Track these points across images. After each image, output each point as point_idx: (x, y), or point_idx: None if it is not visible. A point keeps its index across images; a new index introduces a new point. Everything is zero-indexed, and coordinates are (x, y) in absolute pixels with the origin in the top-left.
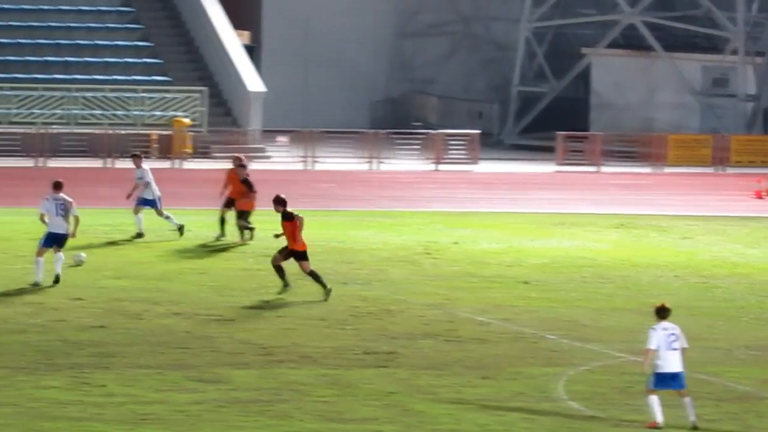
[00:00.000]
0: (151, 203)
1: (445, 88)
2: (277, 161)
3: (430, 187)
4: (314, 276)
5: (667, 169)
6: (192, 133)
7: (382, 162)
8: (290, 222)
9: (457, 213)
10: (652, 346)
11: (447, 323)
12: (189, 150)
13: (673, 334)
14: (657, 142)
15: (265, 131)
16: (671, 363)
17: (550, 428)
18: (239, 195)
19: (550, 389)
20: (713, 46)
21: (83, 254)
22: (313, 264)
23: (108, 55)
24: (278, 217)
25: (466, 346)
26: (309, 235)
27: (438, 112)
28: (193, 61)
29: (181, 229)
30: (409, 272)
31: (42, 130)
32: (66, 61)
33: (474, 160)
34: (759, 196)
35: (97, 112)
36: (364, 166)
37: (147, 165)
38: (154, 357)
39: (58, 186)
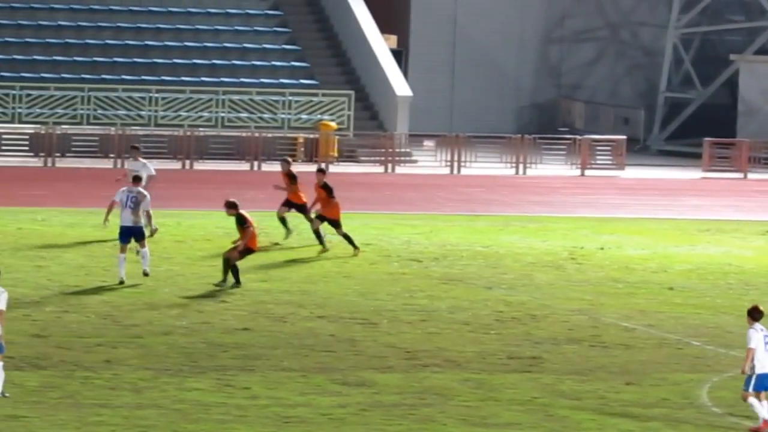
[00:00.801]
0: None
1: (591, 94)
2: (423, 165)
3: (575, 193)
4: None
5: None
6: (338, 137)
7: (528, 167)
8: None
9: (602, 218)
10: (753, 345)
11: (591, 329)
12: (335, 154)
13: (767, 335)
14: None
15: (411, 135)
16: (765, 364)
17: None
18: (323, 202)
19: (694, 396)
20: None
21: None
22: (458, 269)
23: (255, 59)
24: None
25: (611, 351)
26: (454, 239)
27: (584, 117)
28: (340, 64)
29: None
30: (554, 277)
31: (189, 133)
32: (213, 64)
33: (620, 166)
34: None
35: (244, 115)
36: (510, 171)
37: (145, 160)
38: (298, 360)
39: (136, 180)
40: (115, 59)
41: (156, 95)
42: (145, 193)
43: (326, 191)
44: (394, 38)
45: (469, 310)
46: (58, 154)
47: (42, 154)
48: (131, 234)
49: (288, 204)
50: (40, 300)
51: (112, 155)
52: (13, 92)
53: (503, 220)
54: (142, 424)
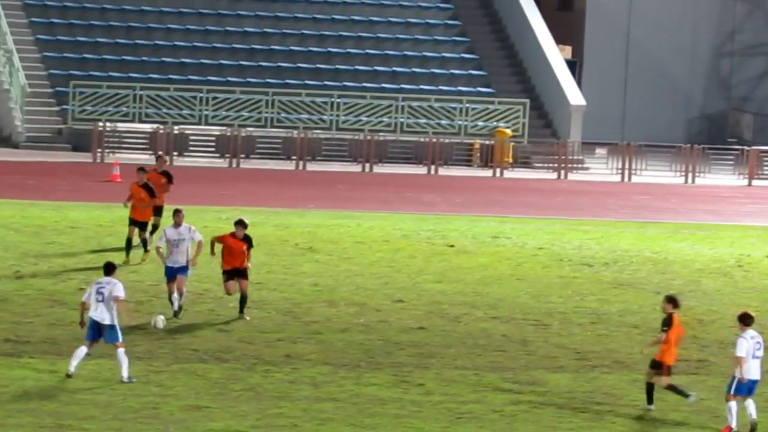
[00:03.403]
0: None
1: (760, 106)
2: (595, 173)
3: (743, 202)
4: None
5: None
6: (513, 144)
7: (697, 176)
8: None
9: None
10: (742, 354)
11: (760, 332)
12: (509, 160)
13: (758, 342)
14: None
15: (584, 143)
16: (753, 371)
17: None
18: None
19: None
20: None
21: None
22: (628, 274)
23: (434, 66)
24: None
25: None
26: (625, 245)
27: (753, 129)
28: (516, 73)
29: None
30: (722, 284)
31: (368, 137)
32: (394, 71)
33: None
34: None
35: (422, 121)
36: (680, 180)
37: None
38: (471, 359)
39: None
40: (299, 65)
41: (338, 100)
42: (192, 229)
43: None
44: (568, 49)
45: (638, 314)
46: (242, 156)
47: (227, 155)
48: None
49: None
50: (224, 296)
51: (294, 157)
52: (201, 95)
53: (672, 228)
54: (320, 417)
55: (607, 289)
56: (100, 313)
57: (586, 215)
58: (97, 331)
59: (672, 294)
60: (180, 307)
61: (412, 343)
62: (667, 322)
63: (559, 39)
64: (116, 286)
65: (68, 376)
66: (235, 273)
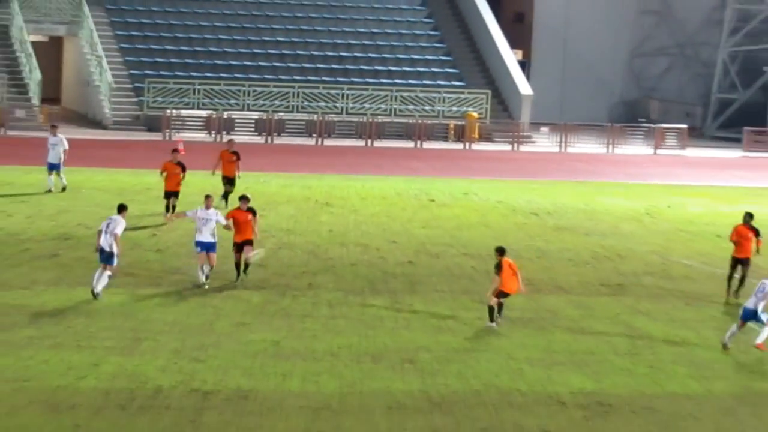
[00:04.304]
0: (56, 167)
1: (663, 94)
2: (540, 145)
3: (651, 166)
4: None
5: None
6: (479, 124)
7: (617, 147)
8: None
9: (671, 185)
10: None
11: (662, 265)
12: (476, 136)
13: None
14: None
15: (532, 123)
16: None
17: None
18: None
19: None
20: None
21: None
22: (565, 220)
23: (420, 66)
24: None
25: (676, 282)
26: (562, 199)
27: (658, 111)
28: (481, 71)
29: (64, 188)
30: (635, 227)
31: (370, 120)
32: (389, 70)
33: (683, 147)
34: None
35: (411, 107)
36: (603, 150)
37: (62, 135)
38: (448, 285)
39: (208, 198)
40: (318, 65)
41: (347, 92)
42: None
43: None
44: (521, 52)
45: (572, 251)
46: (275, 134)
47: (264, 133)
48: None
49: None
50: (262, 239)
51: (314, 135)
52: (244, 89)
53: (598, 186)
54: (335, 330)
55: (550, 232)
56: (104, 242)
57: (534, 177)
58: (102, 255)
59: (499, 246)
60: (207, 276)
61: (404, 274)
62: (498, 267)
63: (514, 44)
64: (119, 224)
65: (94, 294)
66: (244, 244)
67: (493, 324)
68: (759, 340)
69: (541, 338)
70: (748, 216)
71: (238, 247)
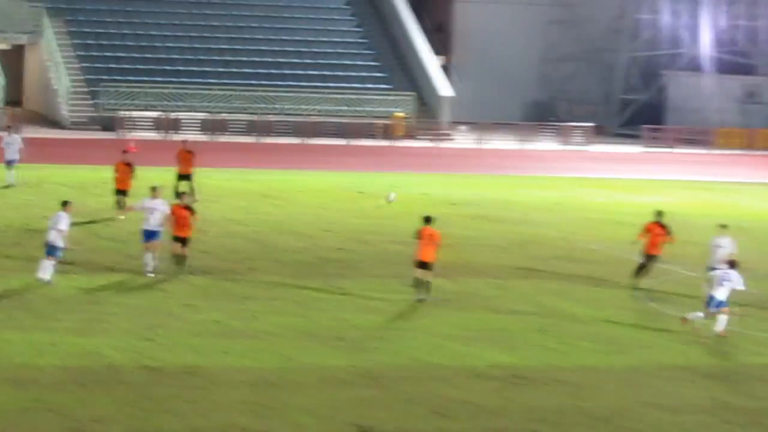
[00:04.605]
0: (13, 162)
1: (571, 96)
2: (459, 142)
3: (559, 161)
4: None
5: (715, 151)
6: (404, 123)
7: (529, 143)
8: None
9: (578, 177)
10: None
11: (569, 250)
12: (402, 133)
13: (725, 273)
14: (709, 132)
15: (452, 122)
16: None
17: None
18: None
19: (638, 294)
20: (748, 70)
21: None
22: (482, 210)
23: (353, 71)
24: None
25: (583, 265)
26: (480, 190)
27: (566, 111)
28: (407, 75)
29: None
30: (546, 216)
31: (307, 119)
32: (324, 75)
33: (589, 144)
34: None
35: (344, 108)
36: (518, 146)
37: (18, 135)
38: (377, 270)
39: (155, 189)
40: (258, 70)
41: (285, 94)
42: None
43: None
44: (443, 58)
45: (489, 237)
46: (219, 133)
47: (209, 132)
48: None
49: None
50: (207, 229)
51: (254, 133)
52: (190, 92)
53: (512, 179)
54: (274, 310)
55: (468, 220)
56: (49, 235)
57: (454, 171)
58: (47, 247)
59: (427, 215)
60: (154, 266)
61: (337, 260)
62: (418, 233)
63: (437, 51)
64: (61, 220)
65: (43, 281)
66: (181, 240)
67: (422, 296)
68: (719, 328)
69: (461, 317)
70: (658, 214)
71: (176, 239)
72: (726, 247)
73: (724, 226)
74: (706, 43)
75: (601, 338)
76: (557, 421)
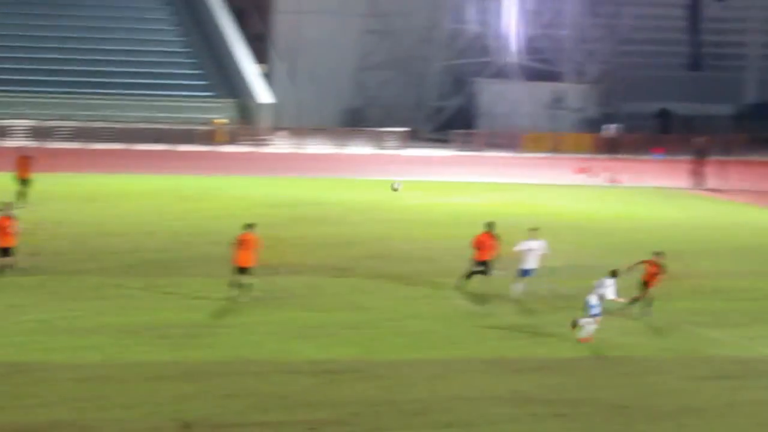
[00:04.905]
0: None
1: (386, 102)
2: (279, 147)
3: (374, 164)
4: None
5: (523, 154)
6: (225, 128)
7: (345, 148)
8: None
9: (391, 180)
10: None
11: (384, 249)
12: (223, 139)
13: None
14: (517, 137)
15: (272, 128)
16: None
17: (450, 311)
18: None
19: (447, 293)
20: (555, 77)
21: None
22: (300, 210)
23: (179, 79)
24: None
25: (396, 263)
26: (299, 193)
27: (381, 117)
28: (228, 83)
29: None
30: (363, 217)
31: (131, 125)
32: (151, 83)
33: (403, 147)
34: (580, 172)
35: (169, 114)
36: (335, 150)
37: None
38: (198, 269)
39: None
40: (85, 79)
41: (111, 101)
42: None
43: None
44: (264, 66)
45: (306, 238)
46: (48, 139)
47: (38, 138)
48: None
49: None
50: (34, 232)
51: (81, 139)
52: (20, 100)
53: (329, 181)
54: (98, 309)
55: (287, 222)
56: None
57: (273, 174)
58: None
59: (248, 222)
60: None
61: (159, 260)
62: (236, 241)
63: (257, 60)
64: None
65: None
66: (3, 250)
67: (243, 298)
68: (582, 335)
69: (279, 314)
70: (489, 225)
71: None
72: (537, 249)
73: (535, 229)
74: (514, 52)
75: (412, 334)
76: (370, 414)
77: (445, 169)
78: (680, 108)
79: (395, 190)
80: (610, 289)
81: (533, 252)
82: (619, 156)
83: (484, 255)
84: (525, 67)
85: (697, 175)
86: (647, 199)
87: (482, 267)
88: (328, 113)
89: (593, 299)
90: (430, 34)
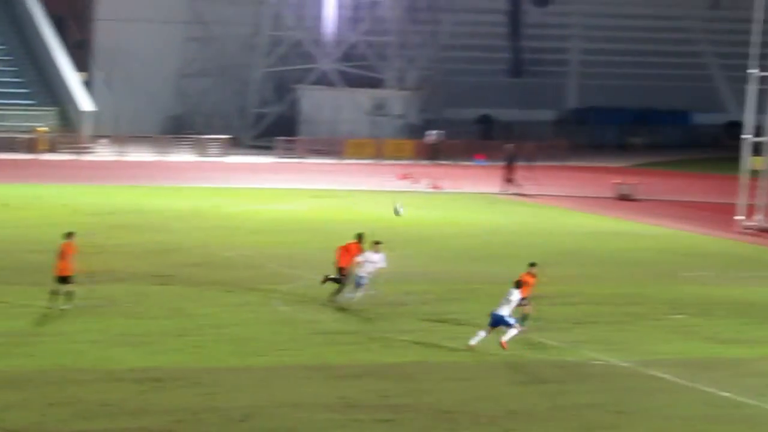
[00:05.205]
0: None
1: (209, 109)
2: (101, 155)
3: (196, 172)
4: None
5: (346, 161)
6: (47, 136)
7: (167, 155)
8: None
9: (213, 188)
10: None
11: (206, 257)
12: (45, 147)
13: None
14: (340, 143)
15: (94, 136)
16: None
17: (269, 317)
18: None
19: (271, 300)
20: (376, 83)
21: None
22: (123, 218)
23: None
24: None
25: (219, 271)
26: (121, 200)
27: (204, 124)
28: (49, 91)
29: None
30: (183, 225)
31: None
32: None
33: (225, 154)
34: (402, 178)
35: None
36: (157, 158)
37: None
38: (20, 277)
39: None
40: None
41: None
42: None
43: None
44: (85, 74)
45: (129, 245)
46: None
47: None
48: None
49: None
50: None
51: None
52: None
53: (151, 189)
54: (11, 332)
55: (108, 229)
56: None
57: (95, 182)
58: None
59: (67, 231)
60: None
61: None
62: (59, 248)
63: (79, 68)
64: None
65: None
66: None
67: (65, 306)
68: (504, 339)
69: (101, 323)
70: (359, 236)
71: None
72: (377, 262)
73: (378, 242)
74: (335, 59)
75: (237, 341)
76: (194, 421)
77: (267, 177)
78: (502, 114)
79: (398, 214)
80: (515, 298)
81: (371, 264)
82: (441, 162)
83: (344, 262)
84: (346, 74)
85: (509, 180)
86: (467, 204)
87: (341, 276)
88: (150, 121)
89: (505, 310)
90: (251, 41)
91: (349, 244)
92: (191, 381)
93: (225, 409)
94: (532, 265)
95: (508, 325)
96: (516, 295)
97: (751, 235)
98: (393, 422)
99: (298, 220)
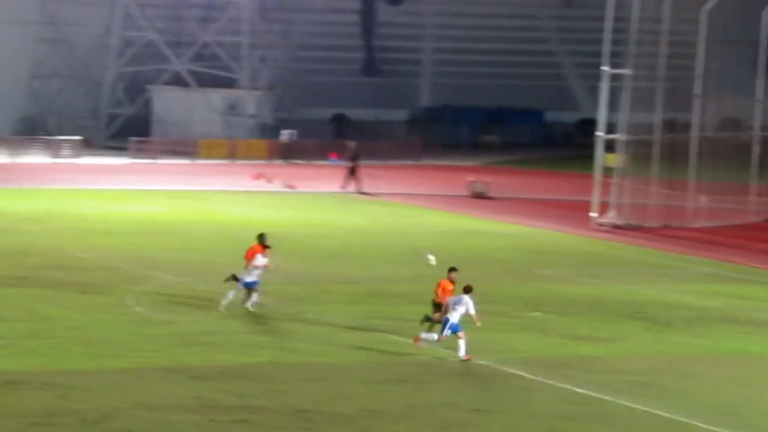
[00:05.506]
0: None
1: (61, 110)
2: None
3: (50, 173)
4: None
5: (199, 161)
6: None
7: (19, 157)
8: None
9: (67, 189)
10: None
11: (60, 258)
12: None
13: (460, 299)
14: (194, 144)
15: None
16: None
17: (116, 320)
18: None
19: (127, 301)
20: (230, 83)
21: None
22: None
23: None
24: None
25: (73, 272)
26: None
27: (56, 125)
28: None
29: None
30: (36, 227)
31: None
32: None
33: (78, 156)
34: (257, 178)
35: None
36: (8, 160)
37: None
38: None
39: None
40: None
41: None
42: None
43: None
44: None
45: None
46: None
47: None
48: None
49: None
50: None
51: None
52: None
53: (3, 191)
54: None
55: None
56: None
57: None
58: None
59: None
60: None
61: None
62: None
63: None
64: None
65: None
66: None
67: None
68: (462, 354)
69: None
70: (261, 237)
71: None
72: (265, 265)
73: (267, 247)
74: (188, 59)
75: (91, 342)
76: (49, 424)
77: (122, 178)
78: (356, 113)
79: (430, 263)
80: (469, 304)
81: (259, 268)
82: (295, 161)
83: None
84: (200, 74)
85: (353, 179)
86: (322, 204)
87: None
88: (1, 122)
89: (455, 317)
90: (104, 42)
91: (254, 245)
92: (45, 383)
93: (80, 411)
94: (452, 270)
95: (454, 333)
96: (467, 301)
97: (605, 231)
98: (248, 422)
99: (154, 221)
